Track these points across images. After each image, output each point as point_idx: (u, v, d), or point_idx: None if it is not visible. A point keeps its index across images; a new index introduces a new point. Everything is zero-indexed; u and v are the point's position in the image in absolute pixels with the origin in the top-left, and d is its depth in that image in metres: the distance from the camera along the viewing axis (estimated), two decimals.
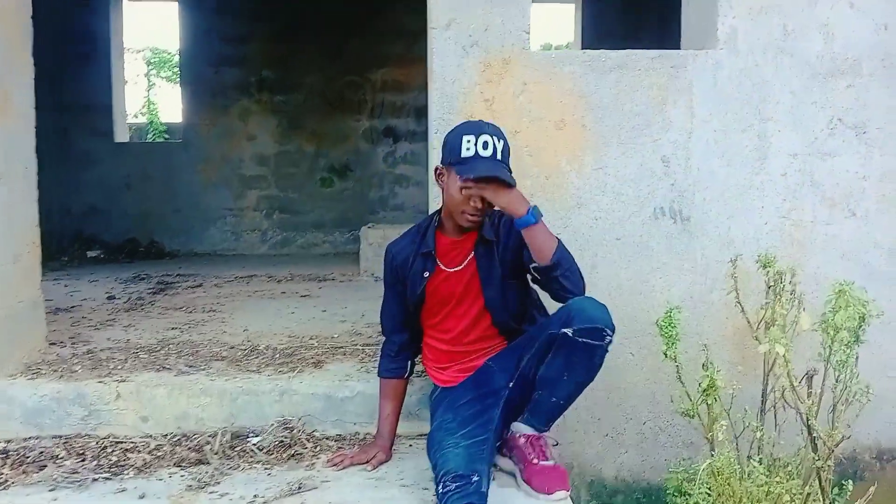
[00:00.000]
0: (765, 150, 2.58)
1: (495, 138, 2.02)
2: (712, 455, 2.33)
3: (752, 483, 1.92)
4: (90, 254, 6.13)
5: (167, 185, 6.82)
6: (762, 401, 2.36)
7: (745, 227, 2.59)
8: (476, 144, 2.00)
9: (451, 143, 2.06)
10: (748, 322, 2.34)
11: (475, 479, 1.82)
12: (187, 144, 6.95)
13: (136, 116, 11.00)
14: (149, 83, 12.06)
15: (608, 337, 1.94)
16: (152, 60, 12.30)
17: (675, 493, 2.28)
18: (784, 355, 1.83)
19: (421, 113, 6.93)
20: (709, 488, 1.94)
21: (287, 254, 6.84)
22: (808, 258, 2.59)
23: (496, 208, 2.10)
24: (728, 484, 1.93)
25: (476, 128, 2.05)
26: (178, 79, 8.01)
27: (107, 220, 6.69)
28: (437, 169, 2.17)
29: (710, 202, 2.59)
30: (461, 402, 2.11)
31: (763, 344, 1.89)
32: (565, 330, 1.93)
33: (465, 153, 2.01)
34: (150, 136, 9.91)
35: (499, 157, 2.01)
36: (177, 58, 10.89)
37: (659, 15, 6.21)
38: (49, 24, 6.43)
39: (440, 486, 1.84)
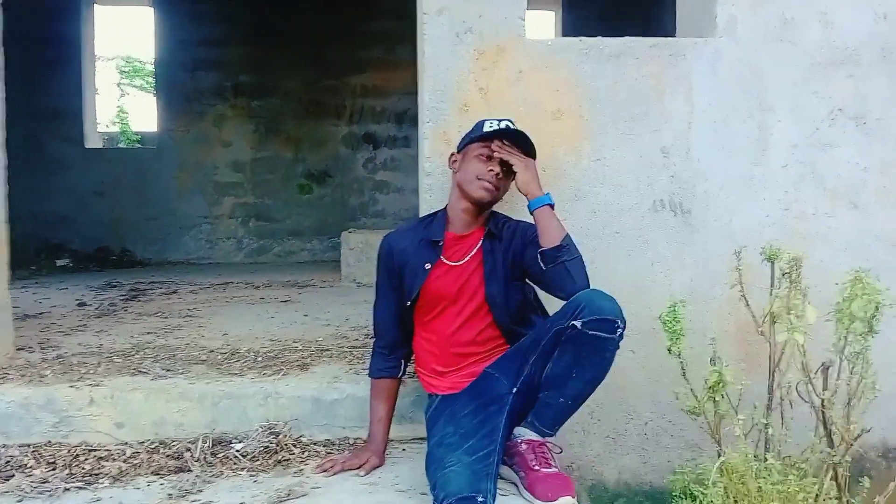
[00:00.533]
0: (765, 140, 2.52)
1: (516, 126, 2.11)
2: (719, 454, 2.25)
3: (767, 481, 1.82)
4: (59, 262, 5.93)
5: (140, 193, 6.64)
6: (768, 398, 2.28)
7: (746, 219, 2.52)
8: (499, 124, 2.08)
9: (472, 129, 2.14)
10: (753, 317, 2.26)
11: (480, 499, 1.69)
12: (161, 151, 6.78)
13: (107, 126, 10.76)
14: (121, 92, 11.83)
15: (619, 329, 1.85)
16: (124, 69, 12.07)
17: (682, 496, 2.19)
18: (802, 345, 1.75)
19: (401, 119, 6.84)
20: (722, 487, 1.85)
21: (264, 262, 6.68)
22: (811, 251, 2.50)
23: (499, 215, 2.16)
24: (742, 482, 1.84)
25: (497, 118, 2.13)
26: (152, 86, 7.85)
27: (77, 227, 6.49)
28: (451, 155, 2.19)
29: (711, 194, 2.51)
30: (462, 414, 1.97)
31: (782, 333, 1.80)
32: (574, 322, 1.85)
33: (487, 129, 2.08)
34: (122, 145, 9.69)
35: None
36: (149, 67, 10.72)
37: (640, 22, 6.21)
38: (19, 29, 6.26)
39: None
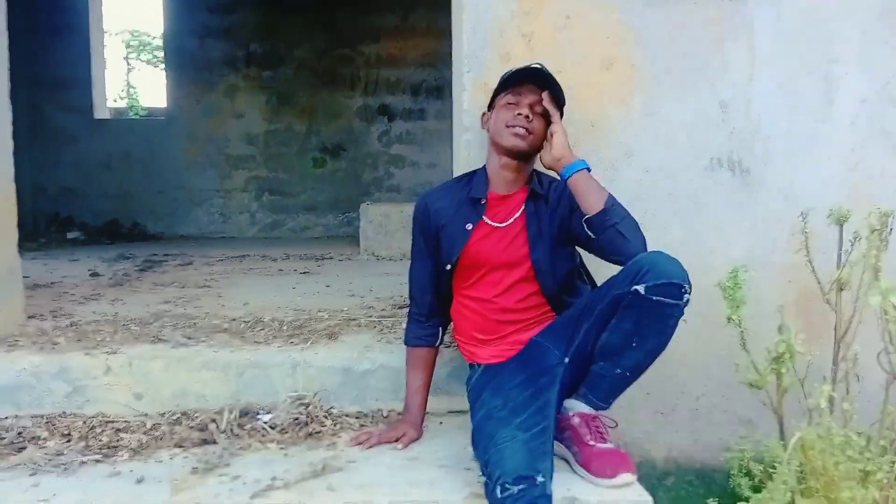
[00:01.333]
0: (832, 94, 2.32)
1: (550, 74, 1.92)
2: (782, 430, 2.09)
3: (847, 458, 1.67)
4: (69, 235, 5.79)
5: (150, 165, 6.50)
6: (833, 370, 2.11)
7: (810, 180, 2.33)
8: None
9: (499, 80, 1.97)
10: (819, 284, 2.09)
11: (540, 479, 1.53)
12: (171, 122, 6.61)
13: (115, 101, 10.58)
14: (128, 66, 11.64)
15: (686, 295, 1.69)
16: (131, 43, 11.87)
17: (739, 474, 2.03)
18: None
19: (417, 90, 6.65)
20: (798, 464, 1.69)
21: (278, 236, 6.53)
22: None
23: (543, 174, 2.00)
24: (820, 458, 1.68)
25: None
26: (162, 57, 7.66)
27: (86, 200, 6.35)
28: (483, 114, 2.02)
29: (773, 153, 2.32)
30: (510, 386, 1.82)
31: (874, 297, 1.64)
32: (636, 287, 1.68)
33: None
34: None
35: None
36: (156, 41, 10.54)
37: None
38: None
39: (499, 490, 1.53)
